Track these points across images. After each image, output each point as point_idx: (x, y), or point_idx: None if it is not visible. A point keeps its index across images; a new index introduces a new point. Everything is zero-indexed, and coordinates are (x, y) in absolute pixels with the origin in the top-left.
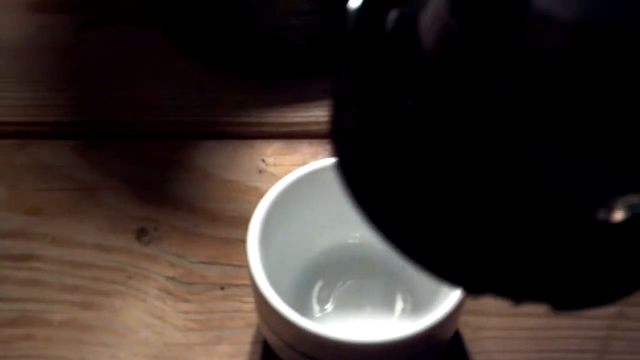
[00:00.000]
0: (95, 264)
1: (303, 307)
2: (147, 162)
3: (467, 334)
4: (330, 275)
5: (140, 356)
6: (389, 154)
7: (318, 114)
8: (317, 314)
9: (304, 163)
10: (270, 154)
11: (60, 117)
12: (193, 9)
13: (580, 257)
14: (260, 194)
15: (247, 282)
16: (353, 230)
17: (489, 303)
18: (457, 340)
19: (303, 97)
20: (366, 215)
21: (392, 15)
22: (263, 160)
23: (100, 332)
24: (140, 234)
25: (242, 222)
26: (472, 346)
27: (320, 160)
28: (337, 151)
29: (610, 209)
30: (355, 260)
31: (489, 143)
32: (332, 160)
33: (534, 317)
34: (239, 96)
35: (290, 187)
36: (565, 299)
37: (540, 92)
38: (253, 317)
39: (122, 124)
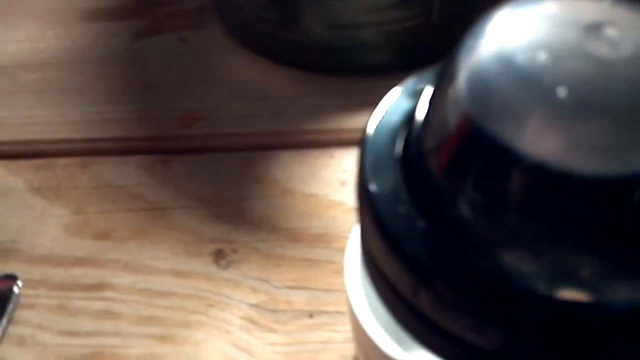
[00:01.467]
0: (172, 291)
1: (406, 340)
2: (220, 178)
3: None
4: None
5: None
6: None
7: None
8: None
9: None
10: (353, 163)
11: (124, 132)
12: (262, 7)
13: None
14: (345, 209)
15: (338, 308)
16: None
17: None
18: None
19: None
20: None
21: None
22: (345, 171)
23: None
24: (218, 257)
25: (328, 241)
26: None
27: None
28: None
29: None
30: None
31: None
32: None
33: None
34: (314, 100)
35: None
36: None
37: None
38: (348, 349)
39: (191, 137)
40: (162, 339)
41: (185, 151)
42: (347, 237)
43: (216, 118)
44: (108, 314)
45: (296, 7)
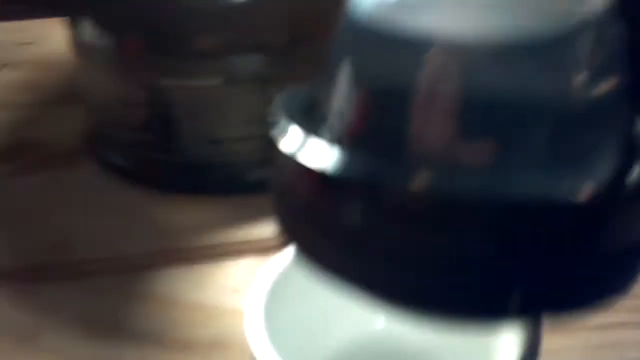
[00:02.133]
0: None
1: None
2: (96, 301)
3: None
4: None
5: None
6: None
7: None
8: None
9: None
10: (243, 271)
11: None
12: (140, 130)
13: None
14: (240, 315)
15: None
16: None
17: None
18: None
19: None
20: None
21: None
22: (235, 280)
23: None
24: None
25: (224, 348)
26: None
27: None
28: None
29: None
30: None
31: None
32: None
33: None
34: (195, 219)
35: (288, 270)
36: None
37: None
38: None
39: (62, 266)
40: None
41: (55, 279)
42: (243, 344)
43: (88, 243)
44: None
45: (174, 124)
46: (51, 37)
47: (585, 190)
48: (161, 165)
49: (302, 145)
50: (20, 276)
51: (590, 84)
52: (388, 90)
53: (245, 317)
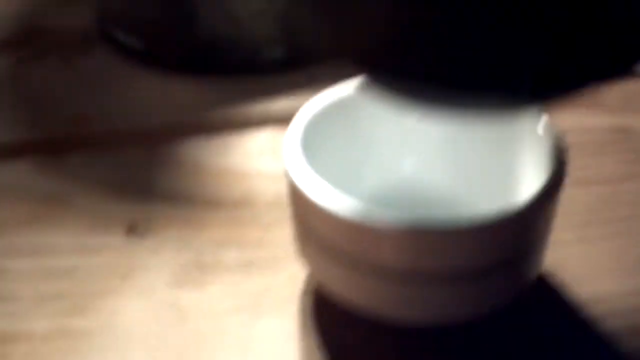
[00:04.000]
0: (79, 266)
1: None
2: (123, 166)
3: (547, 266)
4: None
5: (161, 351)
6: None
7: (305, 100)
8: None
9: None
10: (265, 139)
11: (8, 138)
12: (157, 8)
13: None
14: (264, 175)
15: (274, 254)
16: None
17: (563, 235)
18: None
19: (286, 88)
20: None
21: None
22: (259, 145)
23: (99, 337)
24: (130, 230)
25: (252, 202)
26: (557, 276)
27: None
28: None
29: None
30: (411, 196)
31: None
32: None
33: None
34: (215, 97)
35: (325, 110)
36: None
37: None
38: (292, 291)
39: (86, 137)
40: (72, 313)
41: (81, 147)
42: (270, 198)
43: (112, 115)
44: (2, 299)
45: (192, 1)
46: None
47: None
48: (177, 43)
49: None
50: (45, 147)
51: None
52: None
53: (284, 147)
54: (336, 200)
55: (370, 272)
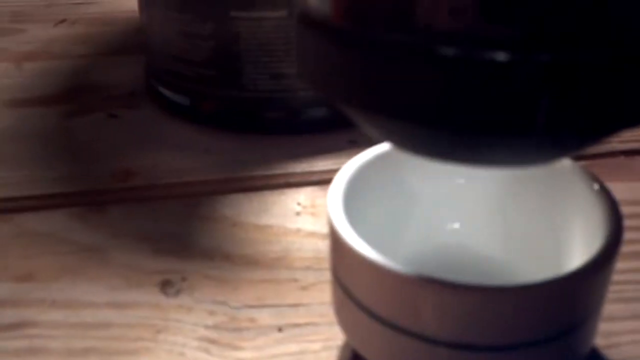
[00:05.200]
0: (111, 322)
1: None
2: (161, 220)
3: (599, 342)
4: None
5: None
6: None
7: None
8: None
9: None
10: (305, 198)
11: (53, 189)
12: (204, 64)
13: None
14: (303, 234)
15: (310, 320)
16: (451, 219)
17: (615, 308)
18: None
19: (328, 149)
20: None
21: None
22: (299, 204)
23: None
24: (166, 286)
25: (289, 262)
26: (610, 354)
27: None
28: None
29: None
30: (456, 260)
31: None
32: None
33: None
34: (257, 154)
35: (370, 165)
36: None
37: None
38: (327, 357)
39: (128, 189)
40: None
41: (121, 201)
42: (308, 258)
43: (154, 172)
44: (32, 352)
45: (239, 57)
46: None
47: None
48: (222, 101)
49: None
50: (87, 199)
51: None
52: None
53: (328, 200)
54: (380, 257)
55: (410, 338)
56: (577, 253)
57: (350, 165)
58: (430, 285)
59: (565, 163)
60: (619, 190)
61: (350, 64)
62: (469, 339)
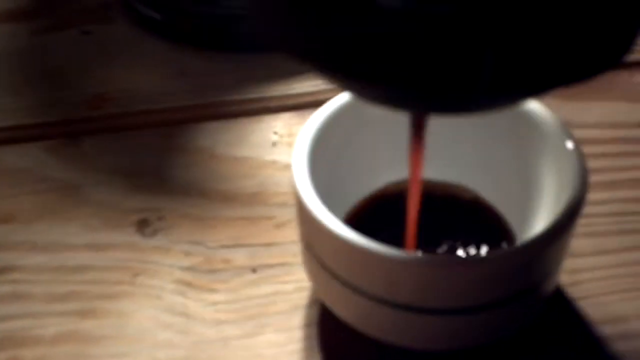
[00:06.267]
0: (91, 265)
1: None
2: (137, 153)
3: (564, 279)
4: None
5: (167, 358)
6: None
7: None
8: None
9: None
10: (282, 125)
11: (23, 120)
12: None
13: None
14: (278, 167)
15: (285, 259)
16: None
17: (580, 243)
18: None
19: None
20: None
21: None
22: (275, 133)
23: (108, 341)
24: (142, 226)
25: (265, 198)
26: (574, 291)
27: None
28: None
29: None
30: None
31: None
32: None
33: (633, 250)
34: (232, 74)
35: (335, 115)
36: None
37: None
38: (299, 298)
39: (102, 118)
40: (82, 314)
41: (96, 131)
42: (284, 193)
43: (128, 98)
44: (15, 297)
45: None
46: None
47: None
48: (194, 17)
49: None
50: (62, 130)
51: None
52: None
53: (293, 164)
54: (338, 224)
55: (370, 299)
56: (544, 197)
57: (313, 121)
58: (380, 257)
59: (543, 113)
60: (598, 112)
61: (299, 18)
62: (423, 303)
